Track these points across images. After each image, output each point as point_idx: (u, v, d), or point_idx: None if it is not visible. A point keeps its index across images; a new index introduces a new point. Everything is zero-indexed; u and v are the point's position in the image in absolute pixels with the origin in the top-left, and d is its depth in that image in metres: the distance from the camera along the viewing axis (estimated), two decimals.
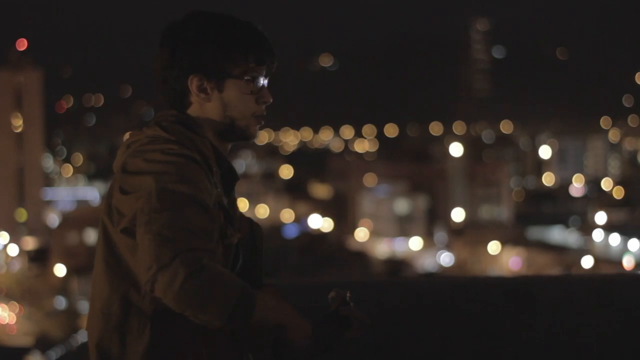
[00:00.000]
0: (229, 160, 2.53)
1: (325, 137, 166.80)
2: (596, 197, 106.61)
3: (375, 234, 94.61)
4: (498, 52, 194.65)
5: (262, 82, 2.55)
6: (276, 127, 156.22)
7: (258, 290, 2.40)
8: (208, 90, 2.51)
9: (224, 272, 2.25)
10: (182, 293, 2.18)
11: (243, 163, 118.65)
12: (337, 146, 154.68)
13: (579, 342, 4.62)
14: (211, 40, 2.49)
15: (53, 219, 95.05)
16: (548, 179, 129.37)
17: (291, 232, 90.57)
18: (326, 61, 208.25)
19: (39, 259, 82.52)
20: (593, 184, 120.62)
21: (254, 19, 2.58)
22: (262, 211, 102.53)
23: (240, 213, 2.62)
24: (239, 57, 2.50)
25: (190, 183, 2.31)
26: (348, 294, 2.55)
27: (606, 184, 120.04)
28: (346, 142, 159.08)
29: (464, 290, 4.86)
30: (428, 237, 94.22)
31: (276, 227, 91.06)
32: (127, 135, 2.57)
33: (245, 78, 2.51)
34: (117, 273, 2.42)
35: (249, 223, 2.63)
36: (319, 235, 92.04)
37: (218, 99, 2.51)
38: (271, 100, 2.58)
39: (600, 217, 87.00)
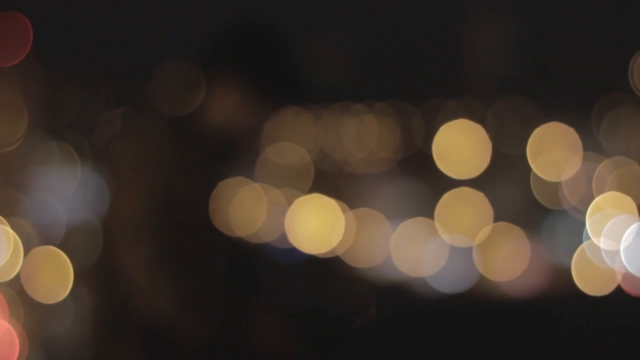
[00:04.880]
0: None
1: None
2: None
3: None
4: None
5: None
6: None
7: (251, 295, 2.40)
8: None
9: (219, 283, 2.24)
10: (176, 301, 2.17)
11: None
12: None
13: (578, 342, 4.62)
14: (248, 83, 2.43)
15: None
16: None
17: None
18: None
19: None
20: None
21: (253, 18, 2.53)
22: None
23: None
24: (260, 106, 2.45)
25: (190, 185, 2.29)
26: (340, 291, 2.53)
27: None
28: None
29: (463, 289, 4.86)
30: None
31: None
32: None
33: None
34: (113, 274, 2.37)
35: None
36: None
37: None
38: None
39: None
